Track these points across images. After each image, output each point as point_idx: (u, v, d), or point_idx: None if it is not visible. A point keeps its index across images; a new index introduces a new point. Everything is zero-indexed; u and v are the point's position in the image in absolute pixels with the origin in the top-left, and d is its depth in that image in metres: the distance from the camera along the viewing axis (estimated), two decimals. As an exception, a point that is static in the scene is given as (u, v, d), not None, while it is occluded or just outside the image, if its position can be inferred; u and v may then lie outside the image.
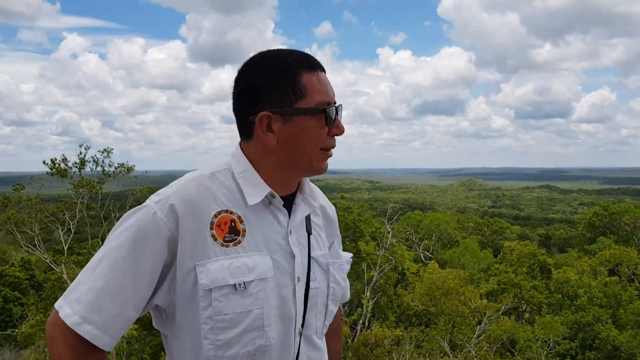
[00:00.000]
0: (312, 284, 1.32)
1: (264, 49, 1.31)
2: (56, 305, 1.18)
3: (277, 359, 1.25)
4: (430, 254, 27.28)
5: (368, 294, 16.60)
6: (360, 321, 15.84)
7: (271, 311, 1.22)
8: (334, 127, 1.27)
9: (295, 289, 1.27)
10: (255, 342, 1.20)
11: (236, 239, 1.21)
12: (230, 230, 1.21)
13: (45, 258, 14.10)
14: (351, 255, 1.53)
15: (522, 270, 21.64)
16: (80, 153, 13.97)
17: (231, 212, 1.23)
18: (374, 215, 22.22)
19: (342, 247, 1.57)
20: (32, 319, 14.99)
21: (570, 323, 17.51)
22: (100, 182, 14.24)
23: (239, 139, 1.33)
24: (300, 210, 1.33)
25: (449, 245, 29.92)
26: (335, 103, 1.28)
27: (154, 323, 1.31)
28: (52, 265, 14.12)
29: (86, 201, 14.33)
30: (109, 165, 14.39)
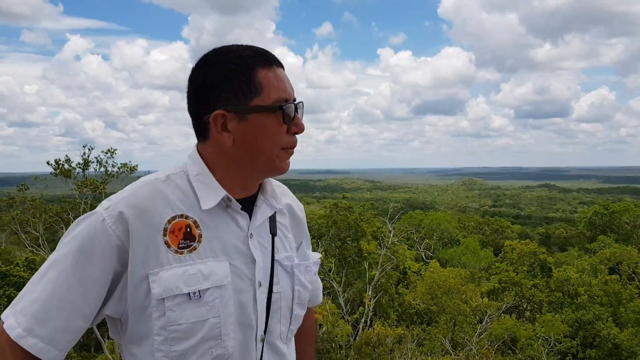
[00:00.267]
0: (275, 288, 1.26)
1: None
2: (2, 315, 1.13)
3: None
4: (431, 253, 27.38)
5: (370, 292, 16.66)
6: (362, 320, 15.92)
7: (229, 319, 1.17)
8: (293, 124, 1.21)
9: (255, 294, 1.21)
10: (212, 351, 1.15)
11: (191, 245, 1.16)
12: (185, 237, 1.16)
13: (49, 258, 14.16)
14: (320, 256, 1.48)
15: (523, 269, 21.74)
16: (84, 153, 14.03)
17: (186, 217, 1.17)
18: (375, 214, 22.28)
19: (310, 248, 1.49)
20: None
21: (571, 321, 17.59)
22: (104, 183, 14.30)
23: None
24: (262, 212, 1.28)
25: (449, 245, 30.00)
26: (295, 100, 1.22)
27: (109, 333, 1.26)
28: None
29: (90, 201, 14.39)
30: (112, 165, 14.45)
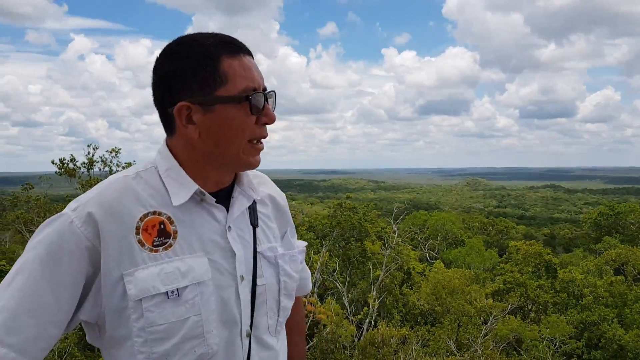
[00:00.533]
0: (259, 281, 1.22)
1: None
2: None
3: None
4: (436, 253, 27.31)
5: (374, 293, 16.63)
6: (367, 320, 15.89)
7: (211, 316, 1.12)
8: (262, 115, 1.16)
9: (238, 289, 1.17)
10: (195, 351, 1.11)
11: (167, 243, 1.12)
12: (159, 234, 1.12)
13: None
14: (305, 244, 1.45)
15: (528, 269, 21.64)
16: (89, 153, 14.07)
17: (159, 214, 1.13)
18: (379, 215, 22.27)
19: (296, 236, 1.45)
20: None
21: (576, 322, 17.52)
22: (108, 182, 14.35)
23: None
24: (239, 203, 1.23)
25: (454, 245, 29.94)
26: (265, 89, 1.17)
27: (87, 338, 1.20)
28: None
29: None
30: (117, 165, 14.49)
